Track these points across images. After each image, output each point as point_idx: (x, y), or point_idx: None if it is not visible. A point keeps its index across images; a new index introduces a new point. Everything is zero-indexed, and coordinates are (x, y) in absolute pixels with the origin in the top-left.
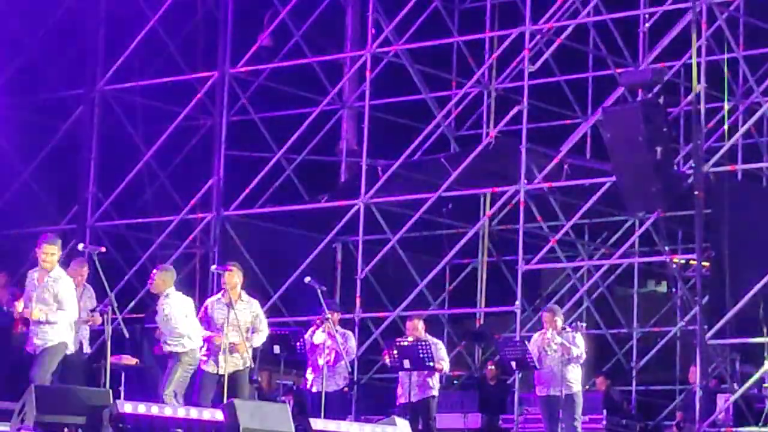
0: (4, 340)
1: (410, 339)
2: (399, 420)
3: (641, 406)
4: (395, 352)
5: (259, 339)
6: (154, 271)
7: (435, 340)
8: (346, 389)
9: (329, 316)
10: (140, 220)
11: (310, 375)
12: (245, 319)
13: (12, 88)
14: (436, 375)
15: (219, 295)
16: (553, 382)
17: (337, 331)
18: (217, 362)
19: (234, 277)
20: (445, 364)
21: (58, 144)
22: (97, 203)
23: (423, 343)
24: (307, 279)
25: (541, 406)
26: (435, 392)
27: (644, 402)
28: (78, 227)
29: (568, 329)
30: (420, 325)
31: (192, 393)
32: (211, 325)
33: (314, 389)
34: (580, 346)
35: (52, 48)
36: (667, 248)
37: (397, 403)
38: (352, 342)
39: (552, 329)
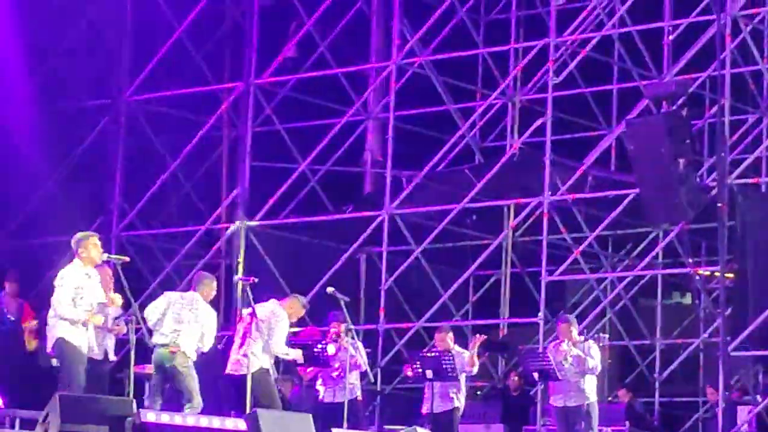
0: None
1: (438, 350)
2: (421, 430)
3: (664, 418)
4: (418, 364)
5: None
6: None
7: (461, 349)
8: (359, 399)
9: (351, 327)
10: (165, 230)
11: (320, 387)
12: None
13: (38, 98)
14: (462, 387)
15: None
16: (569, 393)
17: (348, 342)
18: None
19: None
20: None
21: (83, 154)
22: (123, 213)
23: (446, 354)
24: (330, 289)
25: (557, 417)
26: (458, 404)
27: (667, 414)
28: (103, 237)
29: (587, 341)
30: (448, 336)
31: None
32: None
33: (326, 400)
34: (595, 358)
35: (78, 58)
36: (690, 260)
37: (422, 414)
38: (362, 351)
39: (568, 340)
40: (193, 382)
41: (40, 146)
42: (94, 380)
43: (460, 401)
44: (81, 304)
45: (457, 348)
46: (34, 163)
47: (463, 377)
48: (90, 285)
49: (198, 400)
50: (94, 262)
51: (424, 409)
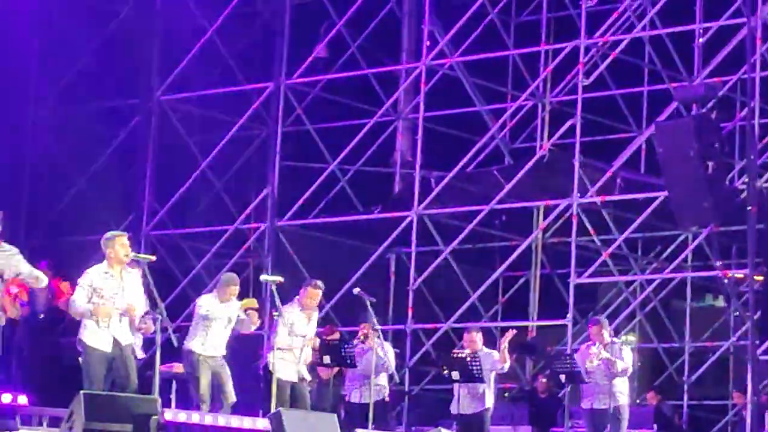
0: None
1: (467, 351)
2: (445, 431)
3: (692, 421)
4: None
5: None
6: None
7: (489, 350)
8: (387, 400)
9: (377, 327)
10: (195, 229)
11: (347, 387)
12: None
13: (69, 97)
14: (491, 388)
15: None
16: (598, 395)
17: (377, 343)
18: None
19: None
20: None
21: (114, 153)
22: (153, 212)
23: (473, 356)
24: (356, 290)
25: (586, 419)
26: (489, 405)
27: (695, 417)
28: (133, 236)
29: (616, 341)
30: (478, 337)
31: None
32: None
33: (354, 401)
34: (626, 360)
35: (109, 57)
36: (719, 263)
37: (452, 414)
38: (392, 353)
39: (599, 343)
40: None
41: (71, 145)
42: None
43: (490, 402)
44: (96, 303)
45: (485, 349)
46: (65, 162)
47: (492, 376)
48: (110, 285)
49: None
50: (121, 262)
51: (454, 410)
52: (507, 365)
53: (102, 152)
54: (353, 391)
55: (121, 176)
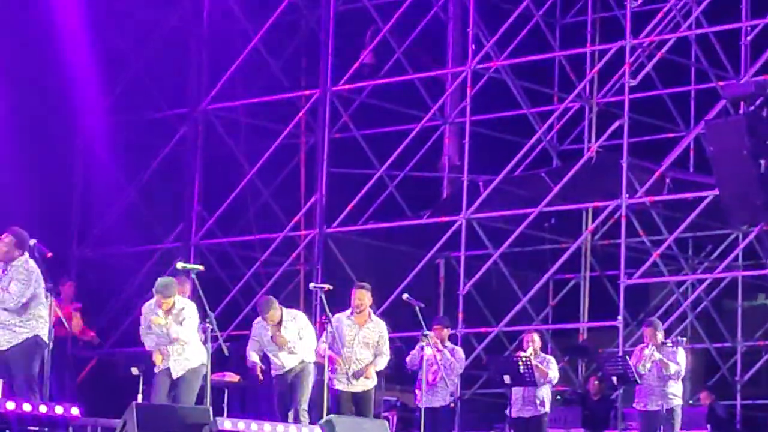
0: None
1: (528, 353)
2: None
3: (746, 421)
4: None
5: (383, 362)
6: None
7: (546, 356)
8: (453, 405)
9: (427, 333)
10: (244, 238)
11: (418, 391)
12: (373, 339)
13: (117, 109)
14: (548, 391)
15: (348, 313)
16: (651, 397)
17: (445, 347)
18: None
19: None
20: (551, 373)
21: (163, 163)
22: (202, 221)
23: (524, 359)
24: (405, 296)
25: (639, 421)
26: (547, 408)
27: (749, 417)
28: (183, 245)
29: (669, 344)
30: (537, 339)
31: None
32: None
33: (421, 405)
34: (680, 363)
35: (157, 68)
36: None
37: (508, 418)
38: (460, 354)
39: (652, 345)
40: None
41: (119, 156)
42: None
43: (546, 407)
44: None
45: (542, 354)
46: (113, 173)
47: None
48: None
49: None
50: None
51: (510, 413)
52: (552, 375)
53: (151, 163)
54: (420, 396)
55: (170, 186)
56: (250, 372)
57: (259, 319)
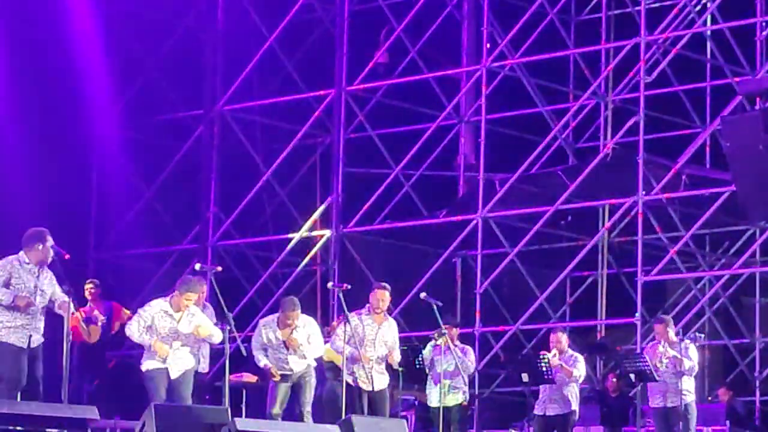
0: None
1: (554, 351)
2: None
3: (766, 417)
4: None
5: (398, 354)
6: None
7: (575, 353)
8: (465, 403)
9: (445, 331)
10: (260, 239)
11: (430, 389)
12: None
13: (134, 110)
14: (575, 389)
15: (365, 311)
16: (666, 394)
17: (456, 346)
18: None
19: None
20: (576, 372)
21: (179, 164)
22: (218, 222)
23: (541, 358)
24: (423, 294)
25: (655, 418)
26: (575, 406)
27: None
28: (200, 246)
29: (685, 341)
30: (564, 338)
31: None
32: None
33: (433, 404)
34: (693, 359)
35: (172, 69)
36: None
37: (535, 416)
38: (472, 357)
39: (664, 341)
40: None
41: (135, 158)
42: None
43: (575, 405)
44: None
45: (569, 351)
46: (130, 175)
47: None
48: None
49: None
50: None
51: (537, 411)
52: (577, 374)
53: (167, 164)
54: (433, 395)
55: (186, 187)
56: (265, 374)
57: (267, 320)
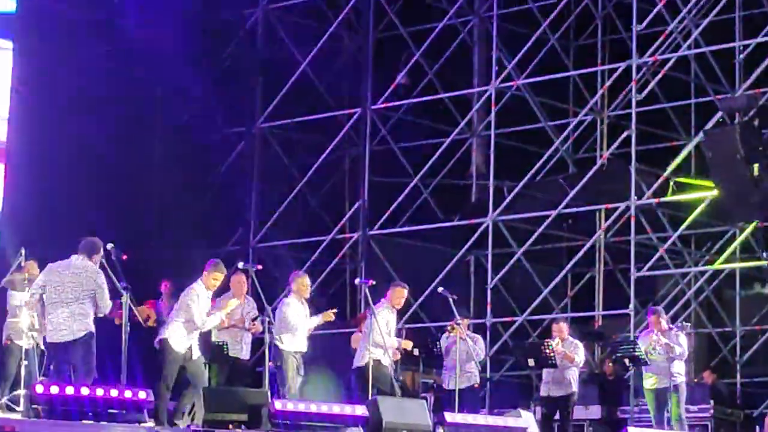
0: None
1: (555, 342)
2: (524, 412)
3: (745, 397)
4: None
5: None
6: None
7: (575, 341)
8: (476, 386)
9: (460, 321)
10: (296, 241)
11: (445, 372)
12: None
13: (186, 130)
14: (575, 373)
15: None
16: (659, 376)
17: (468, 335)
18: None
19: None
20: (577, 357)
21: (225, 175)
22: (259, 226)
23: (545, 344)
24: (440, 289)
25: (648, 398)
26: (575, 388)
27: (748, 393)
28: (242, 248)
29: (675, 329)
30: (565, 327)
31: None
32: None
33: (448, 387)
34: (683, 345)
35: (218, 92)
36: (765, 254)
37: (540, 397)
38: (481, 344)
39: (657, 330)
40: None
41: (189, 171)
42: (235, 373)
43: (574, 387)
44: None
45: (570, 338)
46: (185, 185)
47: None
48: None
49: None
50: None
51: (543, 393)
52: (578, 359)
53: (215, 176)
54: (448, 379)
55: (230, 196)
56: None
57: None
